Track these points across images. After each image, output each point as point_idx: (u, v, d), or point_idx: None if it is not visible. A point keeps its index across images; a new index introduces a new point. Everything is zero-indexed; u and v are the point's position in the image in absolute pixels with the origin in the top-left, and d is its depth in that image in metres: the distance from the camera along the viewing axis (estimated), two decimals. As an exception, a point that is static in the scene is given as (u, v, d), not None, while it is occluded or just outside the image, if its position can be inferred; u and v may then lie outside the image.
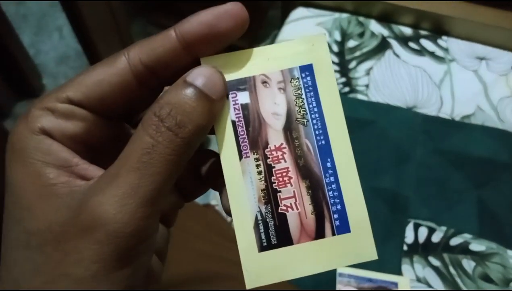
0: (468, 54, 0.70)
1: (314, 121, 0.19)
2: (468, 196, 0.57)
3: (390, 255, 0.53)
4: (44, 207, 0.17)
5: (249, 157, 0.19)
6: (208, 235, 0.53)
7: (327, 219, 0.18)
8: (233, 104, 0.19)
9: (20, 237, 0.17)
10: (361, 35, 0.73)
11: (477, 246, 0.53)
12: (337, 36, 0.73)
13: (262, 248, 0.18)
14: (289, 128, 0.19)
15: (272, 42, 0.77)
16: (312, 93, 0.19)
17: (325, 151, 0.19)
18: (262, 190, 0.18)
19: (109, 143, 0.19)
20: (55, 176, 0.17)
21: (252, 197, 0.18)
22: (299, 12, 0.75)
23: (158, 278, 0.21)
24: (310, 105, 0.19)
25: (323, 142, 0.19)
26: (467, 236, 0.54)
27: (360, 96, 0.67)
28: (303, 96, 0.19)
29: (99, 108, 0.18)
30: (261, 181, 0.18)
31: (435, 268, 0.52)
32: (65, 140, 0.18)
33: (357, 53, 0.71)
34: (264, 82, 0.19)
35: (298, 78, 0.19)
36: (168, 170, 0.17)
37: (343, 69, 0.70)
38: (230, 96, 0.19)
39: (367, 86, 0.68)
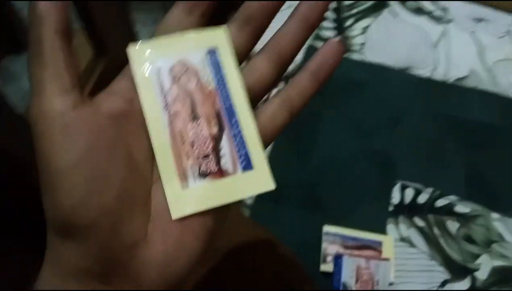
0: (467, 15, 0.68)
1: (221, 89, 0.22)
2: (458, 159, 0.57)
3: (375, 215, 0.54)
4: None
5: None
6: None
7: (237, 160, 0.22)
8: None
9: None
10: (359, -8, 0.70)
11: (462, 208, 0.54)
12: (334, -7, 0.70)
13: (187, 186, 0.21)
14: None
15: None
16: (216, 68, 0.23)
17: (230, 111, 0.22)
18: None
19: None
20: None
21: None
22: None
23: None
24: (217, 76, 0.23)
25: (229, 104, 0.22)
26: (452, 198, 0.55)
27: (355, 56, 0.65)
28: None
29: None
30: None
31: (419, 228, 0.53)
32: None
33: (354, 11, 0.69)
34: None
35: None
36: None
37: (339, 27, 0.68)
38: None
39: (362, 44, 0.66)
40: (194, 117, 0.21)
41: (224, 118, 0.22)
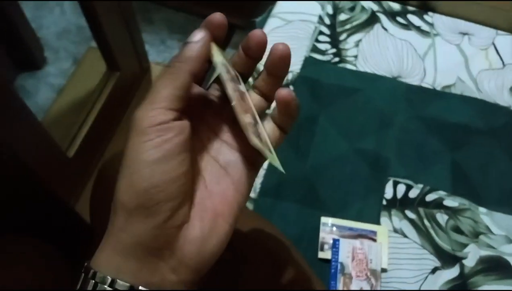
0: (452, 29, 0.74)
1: None
2: (444, 158, 0.61)
3: (370, 208, 0.58)
4: None
5: None
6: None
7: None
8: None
9: None
10: (352, 9, 0.76)
11: (450, 202, 0.58)
12: (329, 10, 0.76)
13: None
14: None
15: (267, 16, 0.80)
16: None
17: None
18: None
19: None
20: None
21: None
22: (294, -14, 0.79)
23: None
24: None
25: None
26: (441, 193, 0.58)
27: (349, 66, 0.71)
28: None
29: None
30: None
31: (411, 220, 0.57)
32: None
33: (348, 26, 0.75)
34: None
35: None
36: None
37: (334, 40, 0.73)
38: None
39: (355, 57, 0.72)
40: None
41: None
